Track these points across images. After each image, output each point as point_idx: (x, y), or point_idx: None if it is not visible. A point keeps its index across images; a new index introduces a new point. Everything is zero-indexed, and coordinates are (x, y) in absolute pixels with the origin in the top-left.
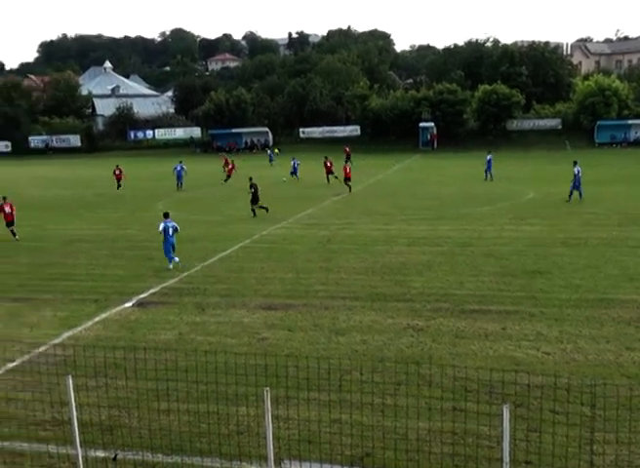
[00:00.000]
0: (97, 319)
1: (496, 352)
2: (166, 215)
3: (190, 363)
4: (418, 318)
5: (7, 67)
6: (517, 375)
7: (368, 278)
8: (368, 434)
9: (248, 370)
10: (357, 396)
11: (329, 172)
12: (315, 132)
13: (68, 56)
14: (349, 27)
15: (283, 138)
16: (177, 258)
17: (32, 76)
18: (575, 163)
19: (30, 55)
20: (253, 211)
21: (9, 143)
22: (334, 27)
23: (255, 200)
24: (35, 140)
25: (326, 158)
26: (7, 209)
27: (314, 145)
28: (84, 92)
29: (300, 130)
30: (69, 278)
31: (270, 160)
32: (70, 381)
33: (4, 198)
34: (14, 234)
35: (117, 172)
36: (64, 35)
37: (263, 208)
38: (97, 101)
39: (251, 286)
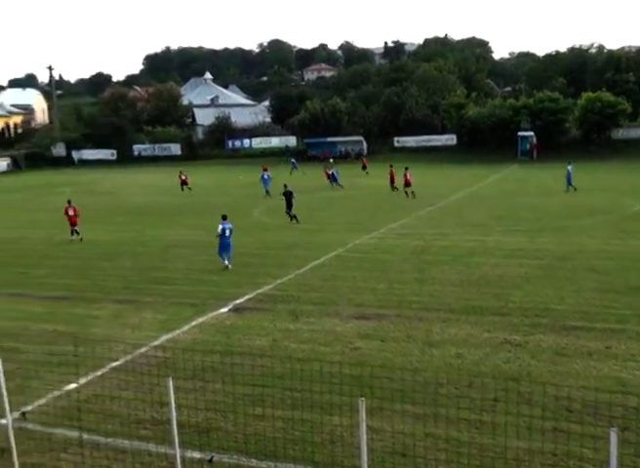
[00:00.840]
0: (194, 323)
1: (600, 372)
2: (224, 217)
3: (284, 370)
4: (515, 333)
5: (114, 79)
6: (624, 397)
7: (463, 290)
8: (463, 450)
9: (340, 379)
10: (452, 411)
11: (393, 181)
12: (410, 141)
13: (171, 67)
14: (446, 35)
15: (377, 147)
16: (227, 261)
17: (137, 87)
18: None
19: (136, 67)
20: (291, 217)
21: (114, 151)
22: (430, 36)
23: (289, 206)
24: (139, 149)
25: (391, 166)
26: (71, 212)
27: (409, 154)
28: (185, 102)
29: (395, 139)
30: (169, 282)
31: (293, 167)
32: (171, 383)
33: (69, 201)
34: (77, 233)
35: (183, 177)
36: (168, 48)
37: (294, 217)
38: (197, 111)
39: (344, 295)
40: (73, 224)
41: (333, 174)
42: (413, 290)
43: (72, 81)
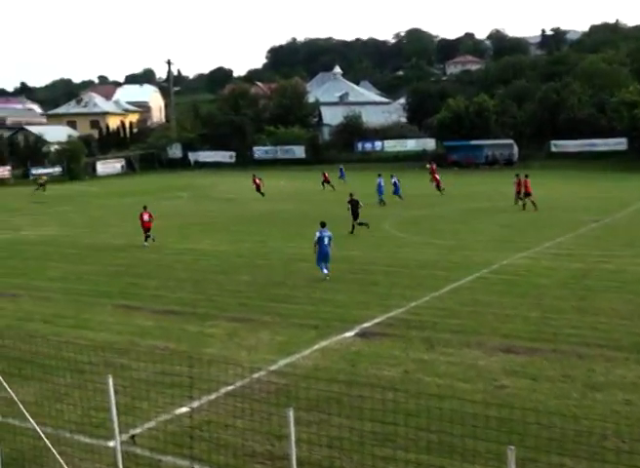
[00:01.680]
0: (316, 347)
1: None
2: (323, 225)
3: (417, 406)
4: None
5: (235, 74)
6: None
7: (633, 324)
8: None
9: (483, 421)
10: None
11: (519, 191)
12: (570, 145)
13: (296, 61)
14: (617, 21)
15: (530, 152)
16: (326, 270)
17: (259, 83)
18: None
19: (259, 61)
20: (353, 226)
21: (233, 153)
22: (597, 22)
23: (355, 216)
24: (259, 151)
25: (517, 176)
26: (146, 217)
27: (568, 161)
28: (311, 99)
29: (552, 142)
30: (289, 300)
31: (341, 176)
32: (291, 414)
33: (144, 207)
34: (151, 239)
35: (257, 181)
36: (294, 39)
37: (364, 224)
38: (324, 109)
39: (488, 323)
40: (147, 229)
41: (395, 184)
42: (571, 321)
43: (191, 76)
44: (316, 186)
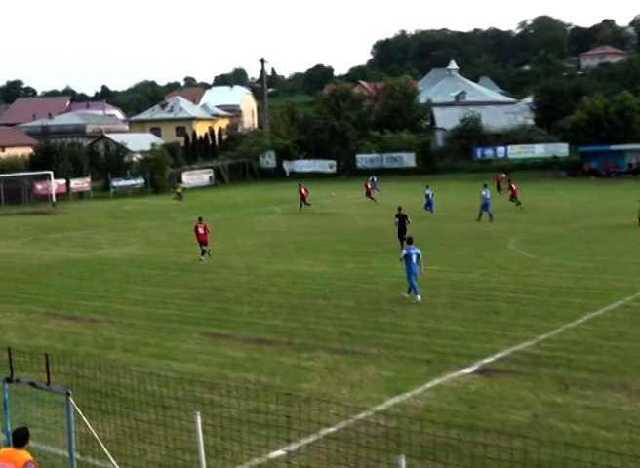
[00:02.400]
0: (428, 385)
1: None
2: (409, 241)
3: (548, 457)
4: None
5: (336, 73)
6: None
7: None
8: None
9: None
10: None
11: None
12: None
13: (406, 57)
14: None
15: None
16: (406, 295)
17: (363, 82)
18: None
19: (363, 57)
20: (402, 241)
21: (334, 162)
22: None
23: (401, 232)
24: (363, 159)
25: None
26: (201, 229)
27: None
28: (422, 99)
29: None
30: (398, 330)
31: (374, 186)
32: (402, 463)
33: (200, 219)
34: (207, 253)
35: (303, 190)
36: (402, 32)
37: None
38: (437, 111)
39: (634, 360)
40: (203, 243)
41: (428, 196)
42: None
43: (286, 76)
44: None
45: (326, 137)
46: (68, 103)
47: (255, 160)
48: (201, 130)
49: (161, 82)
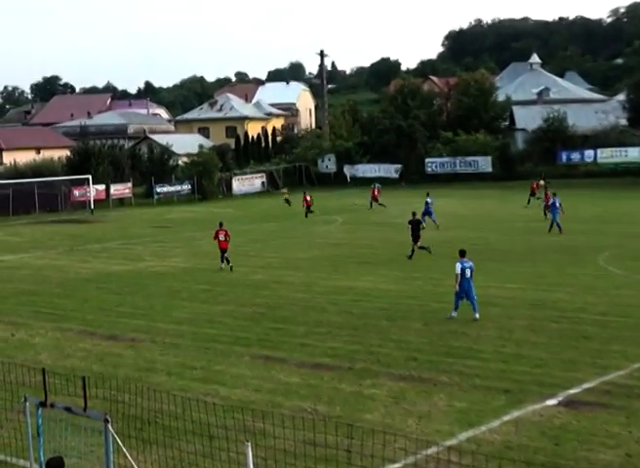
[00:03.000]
0: (506, 418)
1: None
2: (462, 253)
3: None
4: None
5: (403, 67)
6: None
7: None
8: None
9: None
10: None
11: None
12: None
13: (482, 49)
14: None
15: None
16: (477, 315)
17: (434, 78)
18: None
19: (433, 50)
20: (413, 250)
21: (399, 167)
22: None
23: (415, 239)
24: (434, 163)
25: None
26: (221, 236)
27: None
28: (500, 97)
29: None
30: (472, 355)
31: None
32: None
33: (220, 224)
34: (228, 262)
35: (308, 197)
36: (478, 22)
37: (425, 248)
38: (516, 110)
39: None
40: (223, 251)
41: (428, 204)
42: None
43: (348, 71)
44: (506, 209)
45: (392, 139)
46: (109, 101)
47: (312, 164)
48: (253, 130)
49: (210, 78)
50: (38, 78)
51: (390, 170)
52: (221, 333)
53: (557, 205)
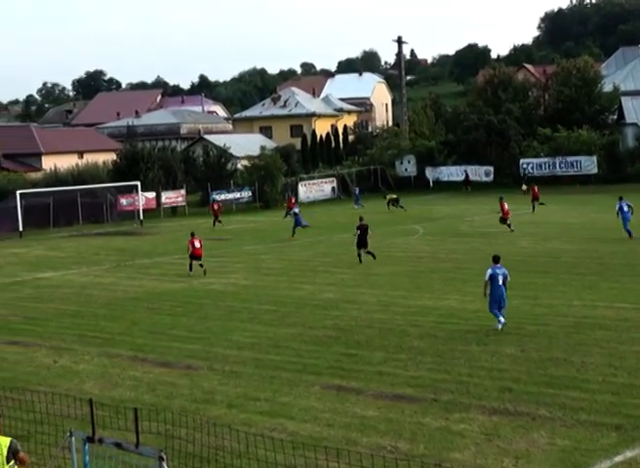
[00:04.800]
0: (618, 458)
1: None
2: (496, 260)
3: None
4: None
5: (493, 54)
6: None
7: None
8: None
9: None
10: None
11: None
12: None
13: (584, 32)
14: None
15: None
16: (502, 319)
17: (529, 66)
18: None
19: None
20: (359, 256)
21: (491, 169)
22: None
23: (362, 244)
24: (530, 164)
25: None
26: (197, 243)
27: None
28: (607, 87)
29: None
30: (576, 385)
31: (357, 201)
32: None
33: (192, 234)
34: (202, 266)
35: (215, 206)
36: (580, 1)
37: (371, 254)
38: (625, 102)
39: None
40: (197, 258)
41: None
42: None
43: (429, 60)
44: (615, 216)
45: (481, 138)
46: (159, 98)
47: (389, 166)
48: (322, 129)
49: (272, 70)
50: (80, 73)
51: (480, 172)
52: (288, 360)
53: (627, 209)
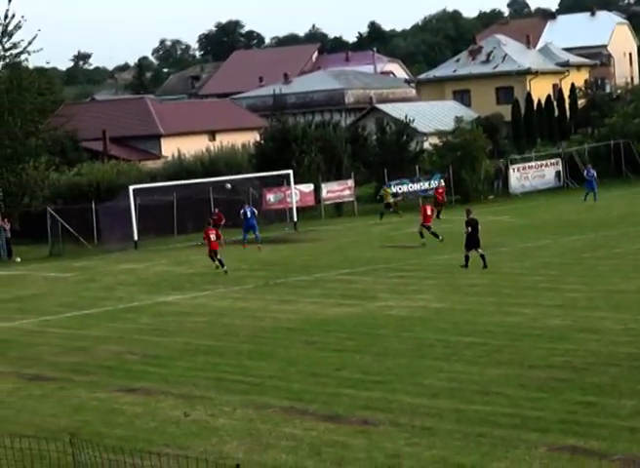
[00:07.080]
0: None
1: None
2: None
3: None
4: None
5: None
6: None
7: None
8: None
9: None
10: None
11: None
12: None
13: None
14: None
15: None
16: None
17: None
18: None
19: None
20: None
21: None
22: None
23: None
24: None
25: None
26: (212, 236)
27: None
28: None
29: None
30: None
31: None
32: None
33: (208, 222)
34: (222, 265)
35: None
36: None
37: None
38: None
39: None
40: (215, 252)
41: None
42: None
43: None
44: None
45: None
46: (315, 56)
47: (637, 141)
48: (540, 91)
49: (469, 13)
50: (209, 26)
51: None
52: (501, 412)
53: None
